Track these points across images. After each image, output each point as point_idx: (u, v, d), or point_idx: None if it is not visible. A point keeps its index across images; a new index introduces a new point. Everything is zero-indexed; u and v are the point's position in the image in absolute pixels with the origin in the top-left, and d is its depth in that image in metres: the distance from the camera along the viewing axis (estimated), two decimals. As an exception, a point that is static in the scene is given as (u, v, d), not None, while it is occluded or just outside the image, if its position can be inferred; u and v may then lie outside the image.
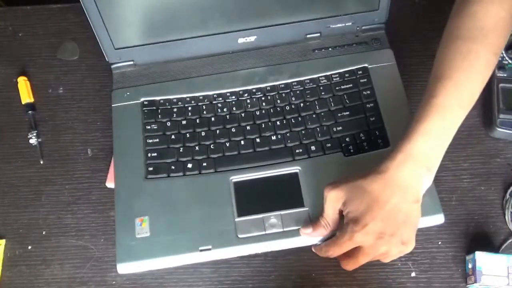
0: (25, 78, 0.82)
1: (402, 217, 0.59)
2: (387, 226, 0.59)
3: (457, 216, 0.70)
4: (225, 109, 0.74)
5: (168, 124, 0.74)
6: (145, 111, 0.75)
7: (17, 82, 0.82)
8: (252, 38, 0.77)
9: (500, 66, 0.75)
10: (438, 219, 0.66)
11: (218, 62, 0.78)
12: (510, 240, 0.68)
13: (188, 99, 0.75)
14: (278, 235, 0.65)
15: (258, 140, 0.71)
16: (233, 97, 0.75)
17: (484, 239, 0.69)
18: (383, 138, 0.70)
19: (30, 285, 0.69)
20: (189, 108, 0.74)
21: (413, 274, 0.67)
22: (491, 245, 0.68)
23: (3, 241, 0.72)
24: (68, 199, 0.74)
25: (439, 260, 0.68)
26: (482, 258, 0.64)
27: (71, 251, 0.71)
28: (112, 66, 0.78)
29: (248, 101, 0.74)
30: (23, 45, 0.86)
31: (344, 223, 0.61)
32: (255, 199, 0.68)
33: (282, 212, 0.66)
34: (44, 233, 0.72)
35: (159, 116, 0.74)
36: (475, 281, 0.64)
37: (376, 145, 0.69)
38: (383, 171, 0.60)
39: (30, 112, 0.79)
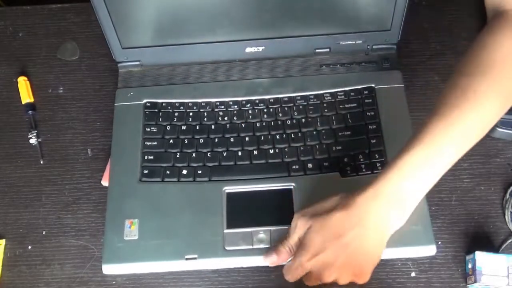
0: (25, 78, 0.82)
1: (358, 252, 0.58)
2: (337, 258, 0.58)
3: (457, 216, 0.70)
4: (226, 118, 0.74)
5: (168, 128, 0.74)
6: (147, 112, 0.75)
7: (17, 82, 0.82)
8: (260, 48, 0.77)
9: (500, 66, 0.75)
10: (430, 250, 0.64)
11: (224, 70, 0.78)
12: (510, 240, 0.68)
13: (190, 104, 0.75)
14: (264, 251, 0.64)
15: (255, 152, 0.71)
16: (235, 106, 0.75)
17: (484, 239, 0.69)
18: (382, 162, 0.69)
19: (30, 285, 0.69)
20: (190, 114, 0.74)
21: (413, 274, 0.67)
22: (491, 245, 0.68)
23: (3, 241, 0.72)
24: (68, 199, 0.74)
25: (439, 260, 0.68)
26: (482, 258, 0.64)
27: (71, 251, 0.71)
28: (119, 65, 0.78)
29: (250, 111, 0.74)
30: (23, 45, 0.86)
31: (299, 247, 0.61)
32: (246, 212, 0.67)
33: (272, 228, 0.66)
34: (44, 233, 0.72)
35: (160, 119, 0.74)
36: (475, 281, 0.64)
37: (374, 168, 0.69)
38: (349, 205, 0.58)
39: (30, 112, 0.79)
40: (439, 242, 0.69)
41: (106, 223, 0.67)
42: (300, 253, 0.60)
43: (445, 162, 0.57)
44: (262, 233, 0.65)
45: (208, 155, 0.71)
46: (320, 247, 0.58)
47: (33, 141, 0.78)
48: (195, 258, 0.65)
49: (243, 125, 0.73)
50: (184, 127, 0.73)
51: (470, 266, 0.66)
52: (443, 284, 0.67)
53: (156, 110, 0.75)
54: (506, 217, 0.70)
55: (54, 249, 0.71)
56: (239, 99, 0.75)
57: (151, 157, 0.71)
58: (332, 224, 0.58)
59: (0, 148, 0.78)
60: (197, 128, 0.73)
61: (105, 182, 0.73)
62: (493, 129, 0.73)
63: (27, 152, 0.77)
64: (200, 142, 0.72)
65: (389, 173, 0.57)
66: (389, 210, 0.58)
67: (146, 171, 0.70)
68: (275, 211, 0.67)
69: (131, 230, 0.66)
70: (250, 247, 0.65)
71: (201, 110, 0.75)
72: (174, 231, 0.66)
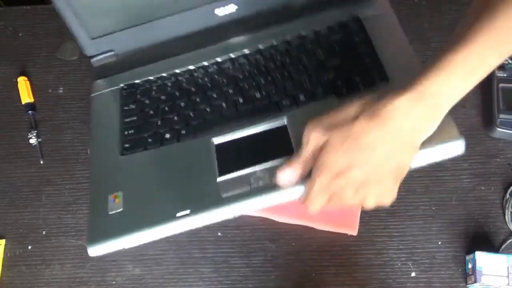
0: (25, 78, 0.82)
1: (389, 168, 0.51)
2: (364, 176, 0.50)
3: (457, 216, 0.70)
4: (206, 79, 0.69)
5: (147, 102, 0.70)
6: (124, 94, 0.71)
7: (17, 82, 0.82)
8: (232, 8, 0.71)
9: (500, 66, 0.75)
10: (459, 146, 0.55)
11: (200, 38, 0.73)
12: (510, 240, 0.68)
13: (167, 76, 0.71)
14: (265, 190, 0.57)
15: (241, 100, 0.66)
16: (215, 66, 0.70)
17: (484, 239, 0.69)
18: (381, 75, 0.63)
19: (30, 285, 0.69)
20: (169, 84, 0.70)
21: (413, 274, 0.67)
22: (491, 245, 0.68)
23: (3, 241, 0.72)
24: (68, 199, 0.74)
25: (439, 260, 0.68)
26: (482, 258, 0.64)
27: (71, 251, 0.71)
28: (92, 60, 0.74)
29: (230, 67, 0.70)
30: (23, 45, 0.86)
31: (316, 167, 0.52)
32: (240, 157, 0.61)
33: (270, 165, 0.58)
34: (44, 233, 0.72)
35: (138, 96, 0.71)
36: (475, 281, 0.64)
37: (374, 82, 0.62)
38: (380, 113, 0.49)
39: (30, 112, 0.79)
40: (439, 242, 0.69)
41: (90, 205, 0.62)
42: (319, 174, 0.51)
43: (491, 65, 0.51)
44: (259, 172, 0.58)
45: (191, 114, 0.66)
46: (343, 164, 0.50)
47: (33, 141, 0.78)
48: (187, 215, 0.57)
49: (224, 80, 0.69)
50: (163, 97, 0.69)
51: (470, 266, 0.66)
52: (443, 284, 0.67)
53: (133, 90, 0.71)
54: (506, 217, 0.70)
55: (54, 249, 0.71)
56: (218, 59, 0.71)
57: (131, 131, 0.67)
58: (357, 136, 0.50)
59: (0, 148, 0.78)
60: (177, 94, 0.69)
61: (105, 182, 0.73)
62: (493, 129, 0.73)
63: (27, 152, 0.77)
64: (181, 105, 0.68)
65: (431, 75, 0.50)
66: (428, 117, 0.50)
67: (127, 145, 0.66)
68: (272, 149, 0.60)
69: (115, 204, 0.61)
70: (248, 188, 0.58)
71: (179, 77, 0.71)
72: (162, 194, 0.60)
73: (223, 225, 0.71)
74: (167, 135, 0.66)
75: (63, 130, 0.79)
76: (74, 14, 0.68)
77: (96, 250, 0.59)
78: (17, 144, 0.78)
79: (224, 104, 0.66)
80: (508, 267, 0.64)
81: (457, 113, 0.75)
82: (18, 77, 0.82)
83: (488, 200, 0.71)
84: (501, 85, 0.75)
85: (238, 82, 0.68)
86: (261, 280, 0.68)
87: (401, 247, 0.69)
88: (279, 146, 0.60)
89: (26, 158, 0.77)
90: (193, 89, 0.69)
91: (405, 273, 0.68)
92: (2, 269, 0.70)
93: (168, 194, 0.60)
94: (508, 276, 0.64)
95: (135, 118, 0.69)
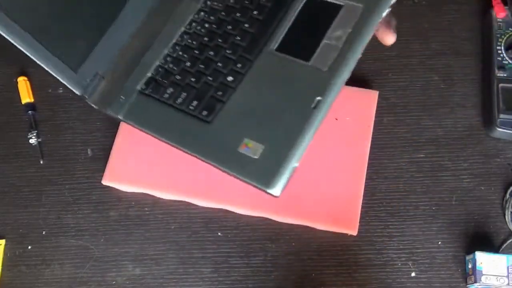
0: (25, 78, 0.82)
1: None
2: None
3: (457, 216, 0.70)
4: (206, 25, 0.67)
5: (178, 77, 0.65)
6: (149, 92, 0.66)
7: (17, 82, 0.82)
8: None
9: (500, 66, 0.76)
10: None
11: (167, 4, 0.70)
12: (510, 240, 0.68)
13: (170, 50, 0.68)
14: (352, 40, 0.58)
15: (255, 12, 0.64)
16: (205, 10, 0.68)
17: (484, 239, 0.69)
18: None
19: (30, 285, 0.69)
20: (179, 53, 0.67)
21: (413, 274, 0.68)
22: (491, 245, 0.68)
23: (3, 241, 0.72)
24: (68, 199, 0.74)
25: (439, 260, 0.68)
26: (482, 258, 0.64)
27: (71, 251, 0.71)
28: (88, 97, 0.67)
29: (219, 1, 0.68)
30: (23, 45, 0.86)
31: None
32: (307, 37, 0.62)
33: (337, 22, 0.60)
34: (44, 233, 0.72)
35: (164, 81, 0.66)
36: (475, 281, 0.64)
37: None
38: None
39: (30, 112, 0.79)
40: (439, 242, 0.69)
41: (236, 175, 0.58)
42: None
43: None
44: (334, 34, 0.60)
45: (228, 52, 0.64)
46: None
47: (33, 141, 0.78)
48: (320, 100, 0.57)
49: (223, 13, 0.67)
50: (188, 63, 0.66)
51: (470, 266, 0.66)
52: (443, 284, 0.67)
53: (153, 82, 0.66)
54: (506, 217, 0.70)
55: (54, 249, 0.71)
56: (202, 5, 0.69)
57: (195, 103, 0.63)
58: None
59: (0, 148, 0.78)
60: (196, 52, 0.66)
61: (105, 182, 0.73)
62: (493, 129, 0.73)
63: (27, 152, 0.77)
64: (211, 54, 0.65)
65: None
66: None
67: (205, 112, 0.62)
68: (325, 14, 0.61)
69: (252, 148, 0.58)
70: (338, 49, 0.59)
71: (183, 43, 0.67)
72: (280, 109, 0.59)
73: (223, 225, 0.71)
74: (229, 78, 0.63)
75: (63, 130, 0.79)
76: (53, 55, 0.66)
77: (279, 187, 0.56)
78: (17, 144, 0.78)
79: (246, 25, 0.65)
80: (508, 267, 0.64)
81: (457, 113, 0.76)
82: (18, 77, 0.82)
83: (488, 200, 0.71)
84: (501, 85, 0.75)
85: (234, 5, 0.66)
86: (261, 280, 0.68)
87: (401, 247, 0.69)
88: (326, 7, 0.61)
89: (26, 158, 0.77)
90: (206, 39, 0.66)
91: (405, 273, 0.68)
92: (2, 269, 0.70)
93: (286, 105, 0.59)
94: (508, 276, 0.64)
95: (185, 94, 0.64)
